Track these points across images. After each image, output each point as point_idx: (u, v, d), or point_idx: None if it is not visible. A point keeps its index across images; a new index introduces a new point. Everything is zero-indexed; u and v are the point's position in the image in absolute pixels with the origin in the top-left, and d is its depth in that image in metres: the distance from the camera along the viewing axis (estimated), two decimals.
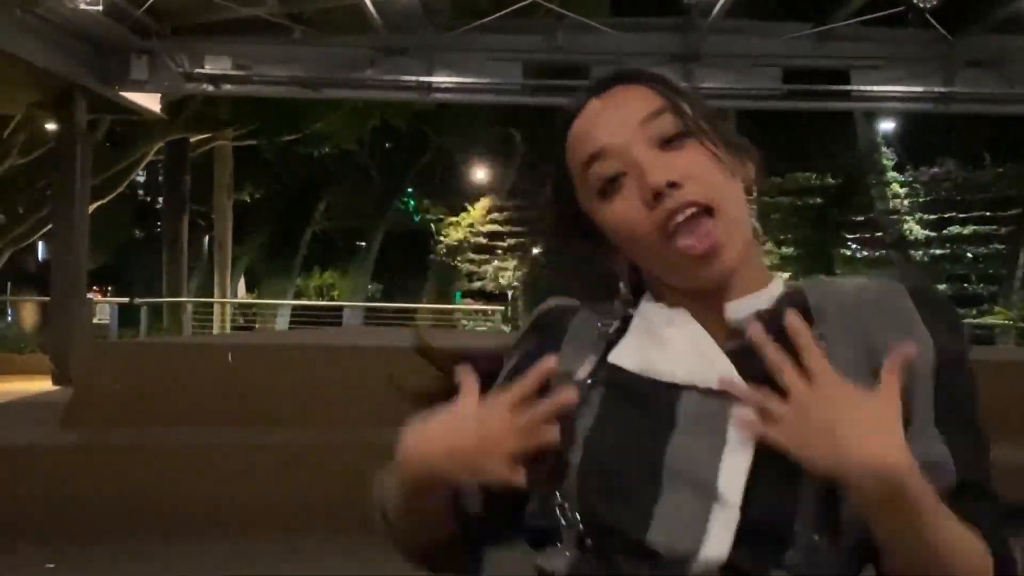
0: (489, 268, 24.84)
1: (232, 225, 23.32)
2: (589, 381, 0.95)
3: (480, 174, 27.18)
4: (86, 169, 11.12)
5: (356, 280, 25.68)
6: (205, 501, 4.47)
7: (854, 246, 21.70)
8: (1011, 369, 6.22)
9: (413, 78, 10.81)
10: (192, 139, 19.77)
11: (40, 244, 24.33)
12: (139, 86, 10.86)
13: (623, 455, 0.89)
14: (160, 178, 24.26)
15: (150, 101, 12.13)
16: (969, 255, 19.83)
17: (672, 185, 0.90)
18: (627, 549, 0.87)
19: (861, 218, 21.14)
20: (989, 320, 16.80)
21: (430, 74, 10.83)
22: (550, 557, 0.92)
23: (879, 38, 10.70)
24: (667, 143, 0.93)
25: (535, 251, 23.69)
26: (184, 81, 10.79)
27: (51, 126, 12.53)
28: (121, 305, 19.30)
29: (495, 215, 25.20)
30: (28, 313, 19.68)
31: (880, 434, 0.81)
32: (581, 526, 0.89)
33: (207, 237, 24.64)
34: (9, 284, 22.55)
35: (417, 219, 28.09)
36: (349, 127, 19.51)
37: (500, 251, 24.72)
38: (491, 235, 24.88)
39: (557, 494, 0.92)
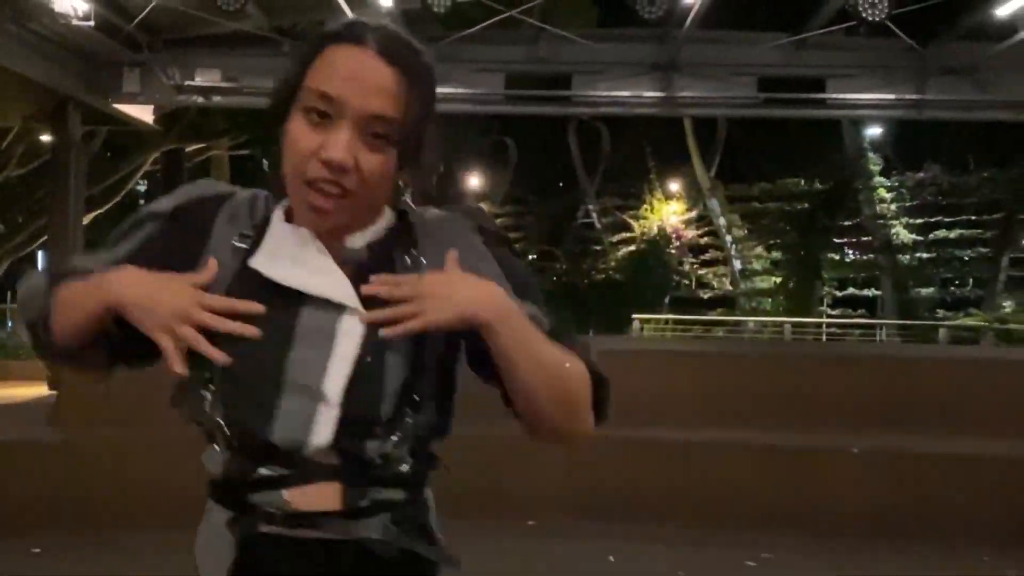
0: None
1: None
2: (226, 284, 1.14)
3: (474, 181, 27.40)
4: (80, 179, 11.38)
5: None
6: (181, 494, 4.71)
7: (846, 251, 21.98)
8: (983, 366, 6.49)
9: None
10: (189, 149, 20.04)
11: (40, 254, 24.62)
12: (131, 98, 11.12)
13: (254, 364, 1.09)
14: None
15: (143, 113, 12.39)
16: (959, 258, 20.07)
17: (340, 167, 1.08)
18: (257, 446, 1.10)
19: (849, 223, 21.39)
20: (968, 322, 17.01)
21: None
22: (209, 458, 1.14)
23: (854, 47, 10.94)
24: (374, 138, 1.09)
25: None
26: (175, 93, 11.04)
27: (47, 137, 12.79)
28: None
29: None
30: None
31: (481, 285, 1.10)
32: (226, 428, 1.10)
33: None
34: (9, 294, 22.78)
35: None
36: None
37: None
38: None
39: (207, 395, 1.11)
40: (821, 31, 10.63)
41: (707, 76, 11.06)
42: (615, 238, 23.47)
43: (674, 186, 23.96)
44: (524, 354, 1.09)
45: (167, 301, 1.10)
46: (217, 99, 11.24)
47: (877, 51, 10.89)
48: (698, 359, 6.63)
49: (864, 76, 10.99)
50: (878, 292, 21.51)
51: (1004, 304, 18.46)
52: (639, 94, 11.17)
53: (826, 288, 21.37)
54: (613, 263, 22.64)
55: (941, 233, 20.36)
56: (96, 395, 5.11)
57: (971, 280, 20.09)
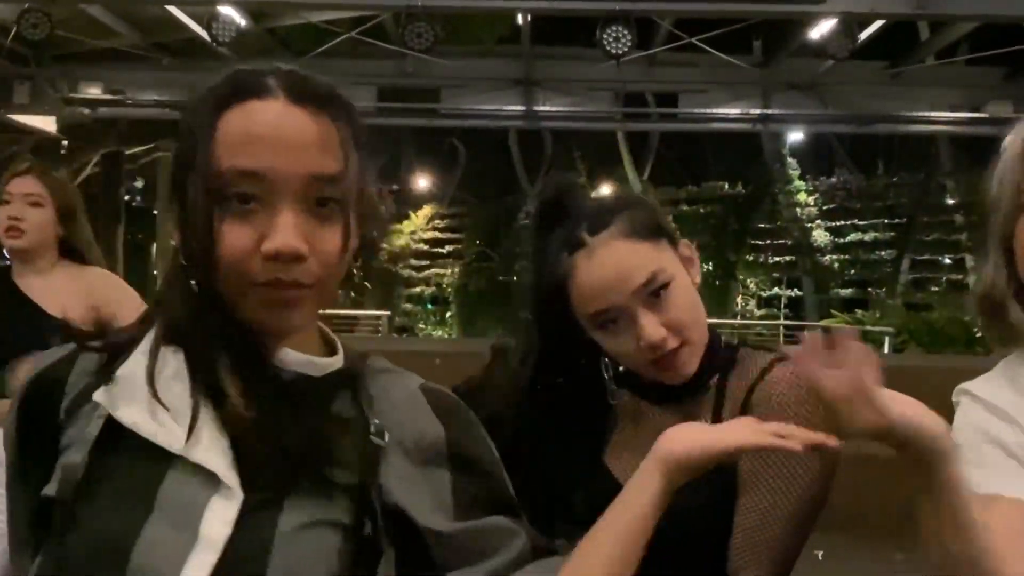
0: (430, 273, 25.55)
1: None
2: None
3: (423, 182, 28.06)
4: None
5: None
6: None
7: (768, 253, 22.61)
8: None
9: None
10: (136, 150, 20.72)
11: None
12: (22, 109, 11.75)
13: (96, 549, 0.82)
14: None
15: (45, 123, 13.05)
16: (870, 259, 20.74)
17: (293, 256, 0.88)
18: None
19: (767, 225, 22.06)
20: (830, 324, 17.61)
21: None
22: None
23: (704, 64, 11.53)
24: (321, 207, 0.91)
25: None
26: (63, 105, 11.67)
27: None
28: None
29: (437, 222, 26.04)
30: None
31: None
32: None
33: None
34: None
35: None
36: None
37: (442, 257, 25.50)
38: (433, 242, 25.68)
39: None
40: (669, 47, 11.20)
41: (566, 91, 11.69)
42: None
43: (608, 189, 24.61)
44: None
45: None
46: (103, 110, 11.88)
47: (726, 68, 11.47)
48: None
49: (714, 91, 11.61)
50: (800, 292, 22.17)
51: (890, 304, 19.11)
52: (502, 108, 11.79)
53: (748, 288, 22.05)
54: None
55: (856, 236, 21.00)
56: None
57: (882, 281, 20.73)
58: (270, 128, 0.88)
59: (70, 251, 2.57)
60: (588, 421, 1.31)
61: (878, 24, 9.19)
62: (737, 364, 1.31)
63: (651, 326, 1.20)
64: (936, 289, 19.41)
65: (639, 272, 1.21)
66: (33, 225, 2.46)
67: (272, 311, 0.89)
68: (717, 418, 1.26)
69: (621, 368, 1.31)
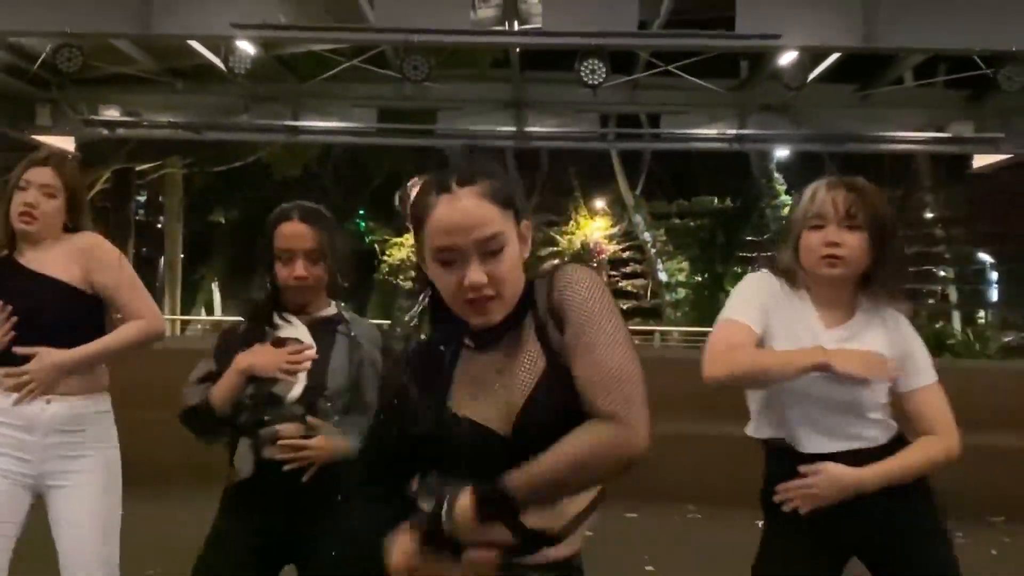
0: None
1: (197, 246, 25.11)
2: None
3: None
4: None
5: None
6: None
7: (757, 266, 23.22)
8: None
9: (281, 122, 12.42)
10: (144, 167, 21.44)
11: None
12: (45, 131, 12.46)
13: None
14: (160, 198, 26.27)
15: (64, 143, 13.77)
16: None
17: (301, 280, 2.54)
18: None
19: (755, 239, 22.73)
20: None
21: (297, 118, 12.44)
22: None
23: (684, 87, 12.21)
24: (312, 262, 2.53)
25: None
26: (83, 126, 12.40)
27: None
28: None
29: None
30: None
31: None
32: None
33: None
34: None
35: (368, 241, 29.44)
36: (291, 155, 20.85)
37: None
38: None
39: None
40: (650, 73, 11.92)
41: (554, 113, 12.42)
42: (544, 252, 24.80)
43: (602, 203, 25.28)
44: None
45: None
46: (121, 131, 12.60)
47: (705, 91, 12.16)
48: None
49: (695, 112, 12.32)
50: None
51: None
52: (495, 128, 12.50)
53: None
54: None
55: None
56: None
57: None
58: (291, 233, 2.46)
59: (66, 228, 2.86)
60: (438, 370, 1.58)
61: None
62: (535, 302, 1.54)
63: (476, 272, 1.44)
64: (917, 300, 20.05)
65: (485, 227, 1.45)
66: (45, 214, 2.74)
67: (294, 302, 2.53)
68: (517, 353, 1.52)
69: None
